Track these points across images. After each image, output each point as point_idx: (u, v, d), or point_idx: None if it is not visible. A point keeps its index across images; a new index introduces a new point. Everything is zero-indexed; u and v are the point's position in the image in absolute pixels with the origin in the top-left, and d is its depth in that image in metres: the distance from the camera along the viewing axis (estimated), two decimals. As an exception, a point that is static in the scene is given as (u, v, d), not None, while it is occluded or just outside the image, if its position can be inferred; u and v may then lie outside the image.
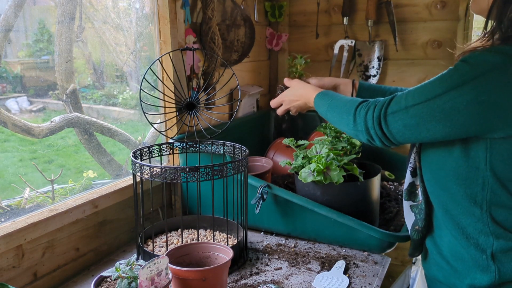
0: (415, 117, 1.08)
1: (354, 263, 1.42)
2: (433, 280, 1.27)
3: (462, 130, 1.05)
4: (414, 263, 1.84)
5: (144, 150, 1.49)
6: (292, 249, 1.52)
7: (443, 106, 1.04)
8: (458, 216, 1.14)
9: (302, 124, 2.38)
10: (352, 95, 1.49)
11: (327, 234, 1.53)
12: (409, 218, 1.30)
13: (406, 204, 1.31)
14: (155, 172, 1.28)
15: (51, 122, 1.56)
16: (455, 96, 1.02)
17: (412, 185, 1.29)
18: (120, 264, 1.12)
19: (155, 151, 1.53)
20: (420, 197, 1.25)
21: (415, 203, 1.28)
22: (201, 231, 1.57)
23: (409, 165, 1.28)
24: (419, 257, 1.38)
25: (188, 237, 1.52)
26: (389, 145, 1.17)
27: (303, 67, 1.66)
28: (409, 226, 1.31)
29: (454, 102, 1.02)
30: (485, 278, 1.10)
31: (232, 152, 1.54)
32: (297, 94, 1.47)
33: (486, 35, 1.08)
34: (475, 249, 1.11)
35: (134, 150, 1.43)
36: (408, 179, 1.29)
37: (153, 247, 1.40)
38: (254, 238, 1.61)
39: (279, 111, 1.55)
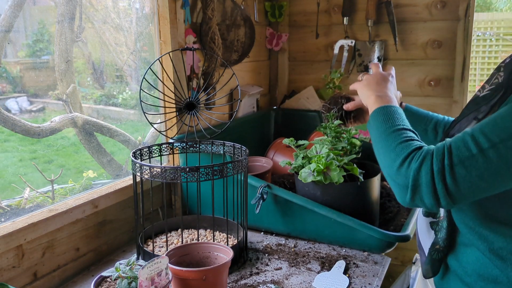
0: (496, 161, 0.86)
1: (354, 263, 1.42)
2: None
3: None
4: (414, 263, 1.83)
5: (144, 150, 1.49)
6: (292, 249, 1.52)
7: None
8: (489, 236, 1.01)
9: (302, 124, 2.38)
10: None
11: (327, 234, 1.53)
12: (428, 236, 1.16)
13: (424, 221, 1.18)
14: (155, 172, 1.28)
15: (51, 122, 1.56)
16: None
17: None
18: (120, 264, 1.12)
19: (155, 151, 1.53)
20: (442, 213, 1.11)
21: (435, 220, 1.15)
22: (201, 231, 1.57)
23: None
24: (420, 257, 1.36)
25: (188, 237, 1.52)
26: (445, 206, 0.93)
27: (340, 80, 1.63)
28: (426, 245, 1.16)
29: None
30: None
31: (232, 152, 1.54)
32: (367, 92, 1.21)
33: None
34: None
35: (134, 150, 1.43)
36: None
37: (153, 247, 1.40)
38: (254, 238, 1.61)
39: (348, 106, 1.36)
